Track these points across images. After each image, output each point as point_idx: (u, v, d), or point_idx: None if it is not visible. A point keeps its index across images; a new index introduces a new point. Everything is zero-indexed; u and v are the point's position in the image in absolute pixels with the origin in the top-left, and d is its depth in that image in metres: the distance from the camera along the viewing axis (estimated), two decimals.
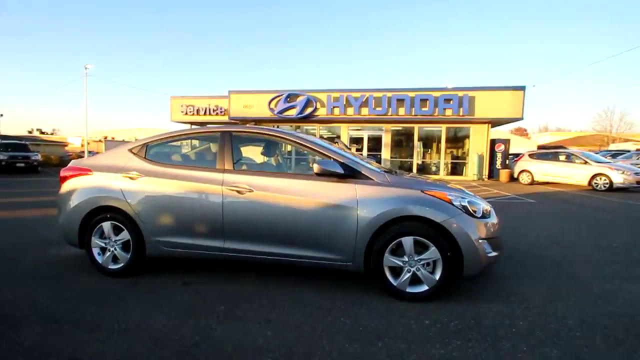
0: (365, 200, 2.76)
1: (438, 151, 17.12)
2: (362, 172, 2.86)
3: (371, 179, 2.84)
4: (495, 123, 16.51)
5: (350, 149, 13.60)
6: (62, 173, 3.45)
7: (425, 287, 2.71)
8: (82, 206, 3.23)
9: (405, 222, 2.72)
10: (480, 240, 2.68)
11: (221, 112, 19.27)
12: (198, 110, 19.67)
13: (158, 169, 3.19)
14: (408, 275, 2.72)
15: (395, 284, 2.74)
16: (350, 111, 16.11)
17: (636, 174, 11.19)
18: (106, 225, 3.20)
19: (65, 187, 3.39)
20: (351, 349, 2.07)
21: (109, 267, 3.21)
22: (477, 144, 16.16)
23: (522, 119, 15.16)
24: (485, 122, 15.81)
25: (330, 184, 2.85)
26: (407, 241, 2.70)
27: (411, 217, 2.70)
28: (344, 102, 16.04)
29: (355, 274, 3.04)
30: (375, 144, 17.56)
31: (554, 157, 13.61)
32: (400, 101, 15.59)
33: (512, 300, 2.76)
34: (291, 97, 16.67)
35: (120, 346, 2.08)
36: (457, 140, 17.28)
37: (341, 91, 16.20)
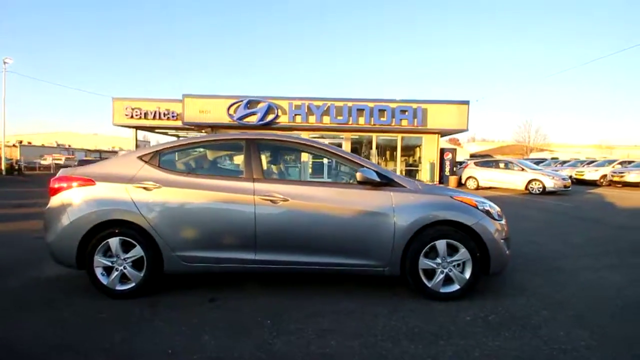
0: (401, 207, 2.87)
1: (394, 159, 18.05)
2: (395, 180, 2.98)
3: (404, 187, 2.97)
4: (444, 133, 17.94)
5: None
6: (55, 184, 3.00)
7: (457, 287, 2.89)
8: (84, 221, 2.85)
9: (438, 227, 2.88)
10: (501, 241, 2.95)
11: (173, 116, 18.18)
12: (146, 114, 18.29)
13: (179, 178, 2.95)
14: (441, 276, 2.88)
15: (429, 285, 2.88)
16: (312, 119, 16.30)
17: (562, 179, 13.03)
18: (113, 242, 2.87)
19: (59, 199, 2.95)
20: (418, 349, 2.14)
21: (117, 288, 2.88)
22: (428, 153, 17.38)
23: (467, 130, 16.74)
24: (435, 133, 17.09)
25: (367, 191, 2.92)
26: (441, 244, 2.86)
27: (443, 221, 2.88)
28: (306, 110, 16.19)
29: (371, 277, 3.15)
30: None
31: (496, 165, 15.25)
32: (361, 111, 16.19)
33: (527, 293, 3.07)
34: (252, 103, 16.36)
35: None
36: (410, 148, 18.41)
37: (303, 99, 16.33)
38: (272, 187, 2.91)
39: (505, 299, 2.92)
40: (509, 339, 2.27)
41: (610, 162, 19.13)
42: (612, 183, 16.37)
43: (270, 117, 16.28)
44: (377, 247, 2.86)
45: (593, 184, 17.22)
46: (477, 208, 2.95)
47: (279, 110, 16.29)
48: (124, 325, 2.42)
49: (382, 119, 16.15)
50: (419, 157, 17.76)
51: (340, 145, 17.57)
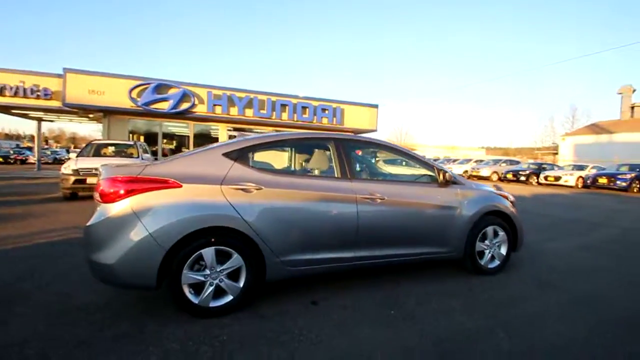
0: (465, 201, 3.38)
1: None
2: (457, 178, 3.48)
3: (463, 184, 3.49)
4: (357, 132, 19.52)
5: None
6: (118, 187, 2.31)
7: (498, 262, 3.58)
8: (171, 231, 2.30)
9: (486, 216, 3.47)
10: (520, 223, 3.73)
11: (46, 95, 14.27)
12: (2, 89, 13.85)
13: (278, 178, 2.70)
14: (489, 255, 3.53)
15: (482, 263, 3.50)
16: (233, 111, 15.37)
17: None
18: (208, 252, 2.42)
19: (127, 207, 2.29)
20: (493, 302, 2.67)
21: (211, 305, 2.46)
22: None
23: (376, 130, 18.68)
24: (350, 131, 18.48)
25: (441, 189, 3.32)
26: (490, 230, 3.51)
27: (492, 211, 3.49)
28: (227, 101, 15.17)
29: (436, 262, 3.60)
30: None
31: (400, 162, 17.59)
32: (284, 106, 16.16)
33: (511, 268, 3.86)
34: (162, 87, 14.31)
35: None
36: None
37: (224, 89, 15.23)
38: (369, 186, 3.00)
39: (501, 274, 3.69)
40: (529, 306, 2.94)
41: (496, 161, 24.18)
42: (504, 179, 20.26)
43: (185, 105, 14.60)
44: (451, 235, 3.30)
45: (486, 179, 20.56)
46: (508, 199, 3.66)
47: (196, 99, 14.78)
48: (241, 343, 2.09)
49: (304, 115, 16.52)
50: None
51: None
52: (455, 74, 72.50)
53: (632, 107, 32.25)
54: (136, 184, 2.32)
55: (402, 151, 3.48)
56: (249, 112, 15.62)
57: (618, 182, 15.60)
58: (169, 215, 2.30)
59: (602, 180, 16.18)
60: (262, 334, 2.25)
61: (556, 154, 35.69)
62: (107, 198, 2.31)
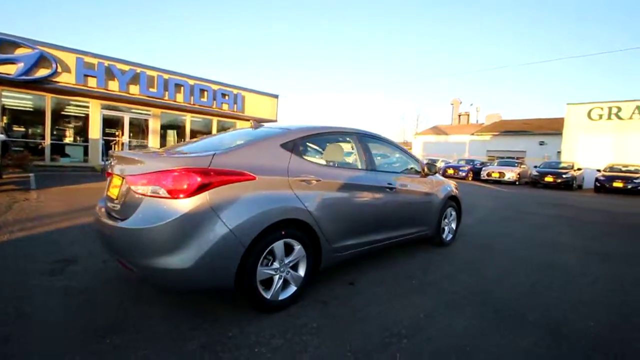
0: (438, 188, 4.08)
1: None
2: (432, 170, 4.03)
3: (433, 174, 4.08)
4: (256, 121, 19.02)
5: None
6: (195, 179, 1.96)
7: (451, 236, 4.40)
8: (251, 226, 2.09)
9: (448, 200, 4.24)
10: None
11: None
12: None
13: (330, 170, 2.77)
14: (447, 231, 4.32)
15: (444, 237, 4.24)
16: (113, 86, 12.74)
17: None
18: (279, 246, 2.29)
19: (204, 202, 1.97)
20: (445, 263, 3.41)
21: (280, 298, 2.34)
22: None
23: (276, 120, 18.67)
24: (248, 120, 17.91)
25: (424, 179, 3.90)
26: (448, 211, 4.31)
27: (450, 196, 4.29)
28: (105, 73, 12.47)
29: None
30: (138, 129, 14.92)
31: None
32: (179, 86, 14.36)
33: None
34: (6, 45, 10.65)
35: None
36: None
37: (102, 57, 12.42)
38: (385, 177, 3.31)
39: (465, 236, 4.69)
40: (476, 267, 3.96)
41: None
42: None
43: (43, 71, 11.29)
44: (430, 216, 3.92)
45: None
46: (452, 185, 4.51)
47: (59, 65, 11.61)
48: (326, 326, 2.13)
49: (202, 99, 15.13)
50: None
51: (146, 122, 14.91)
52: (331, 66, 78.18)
53: (460, 115, 42.12)
54: (213, 177, 2.00)
55: (399, 147, 3.88)
56: (134, 89, 13.26)
57: (460, 172, 20.29)
58: (248, 209, 2.08)
59: (450, 171, 20.73)
60: (333, 316, 2.31)
61: (410, 149, 43.37)
62: (180, 193, 1.91)
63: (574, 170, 15.90)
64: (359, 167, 3.11)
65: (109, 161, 2.53)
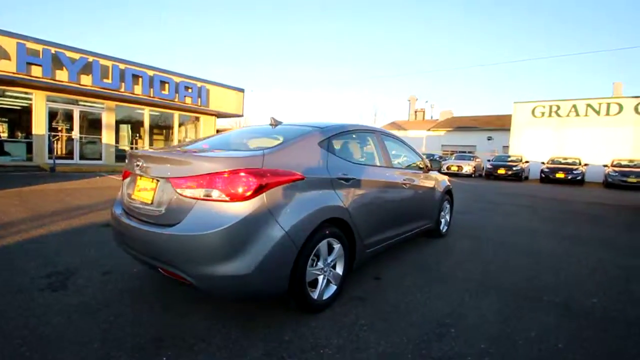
0: (438, 183, 4.26)
1: (169, 138, 16.31)
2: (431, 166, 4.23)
3: (433, 170, 4.27)
4: (223, 116, 18.28)
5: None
6: (254, 181, 1.86)
7: (446, 227, 4.60)
8: (304, 227, 2.04)
9: (445, 194, 4.45)
10: None
11: None
12: None
13: (360, 168, 2.78)
14: (443, 222, 4.50)
15: (442, 229, 4.43)
16: (62, 75, 11.48)
17: None
18: (323, 246, 2.26)
19: (264, 204, 1.89)
20: (440, 249, 3.68)
21: (324, 297, 2.32)
22: (207, 134, 17.20)
23: (242, 115, 18.11)
24: (214, 114, 17.18)
25: (426, 174, 4.03)
26: (445, 204, 4.51)
27: (447, 190, 4.51)
28: (52, 61, 11.19)
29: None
30: (90, 124, 13.63)
31: None
32: (137, 77, 13.31)
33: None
34: None
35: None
36: (189, 130, 17.29)
37: (47, 44, 11.11)
38: (400, 173, 3.39)
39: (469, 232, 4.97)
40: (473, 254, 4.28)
41: None
42: None
43: None
44: (433, 210, 4.09)
45: None
46: (447, 180, 4.75)
47: None
48: (373, 321, 2.18)
49: (163, 92, 14.21)
50: (198, 139, 17.15)
51: (99, 117, 13.71)
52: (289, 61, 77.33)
53: (416, 111, 44.07)
54: (270, 177, 1.92)
55: (405, 143, 3.93)
56: (86, 80, 12.07)
57: None
58: (300, 210, 2.02)
59: None
60: (377, 311, 2.33)
61: None
62: (239, 195, 1.80)
63: (522, 163, 17.44)
64: (381, 164, 3.14)
65: (131, 160, 2.28)
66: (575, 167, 16.05)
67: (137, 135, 15.43)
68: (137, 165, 2.18)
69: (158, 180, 2.03)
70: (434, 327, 2.12)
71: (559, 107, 20.24)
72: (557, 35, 61.84)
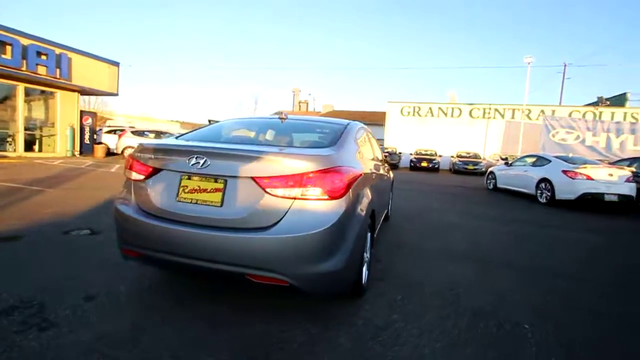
0: (390, 174, 4.90)
1: (12, 119, 12.39)
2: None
3: (390, 162, 4.87)
4: (92, 93, 14.89)
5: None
6: (345, 180, 1.93)
7: (390, 211, 5.32)
8: (366, 220, 2.24)
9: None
10: None
11: None
12: None
13: (372, 162, 3.18)
14: (390, 206, 5.20)
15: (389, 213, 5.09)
16: None
17: None
18: (368, 234, 2.46)
19: (351, 201, 1.99)
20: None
21: (364, 281, 2.47)
22: (67, 115, 13.79)
23: (117, 94, 15.20)
24: (76, 90, 13.90)
25: (387, 166, 4.60)
26: (393, 191, 5.16)
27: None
28: None
29: None
30: None
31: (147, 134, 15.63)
32: None
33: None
34: None
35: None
36: (38, 107, 13.43)
37: None
38: (384, 166, 3.89)
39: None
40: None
41: None
42: None
43: None
44: (390, 197, 4.68)
45: None
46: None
47: None
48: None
49: (4, 56, 10.72)
50: (56, 120, 13.60)
51: None
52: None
53: (300, 103, 45.81)
54: (351, 175, 2.03)
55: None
56: None
57: None
58: (364, 204, 2.21)
59: None
60: (401, 287, 2.65)
61: None
62: (336, 194, 1.83)
63: (397, 154, 20.55)
64: (376, 158, 3.49)
65: (168, 155, 1.92)
66: (433, 157, 19.90)
67: None
68: (194, 164, 1.84)
69: (226, 180, 1.80)
70: (453, 293, 2.56)
71: (420, 108, 24.53)
72: (413, 43, 73.83)
